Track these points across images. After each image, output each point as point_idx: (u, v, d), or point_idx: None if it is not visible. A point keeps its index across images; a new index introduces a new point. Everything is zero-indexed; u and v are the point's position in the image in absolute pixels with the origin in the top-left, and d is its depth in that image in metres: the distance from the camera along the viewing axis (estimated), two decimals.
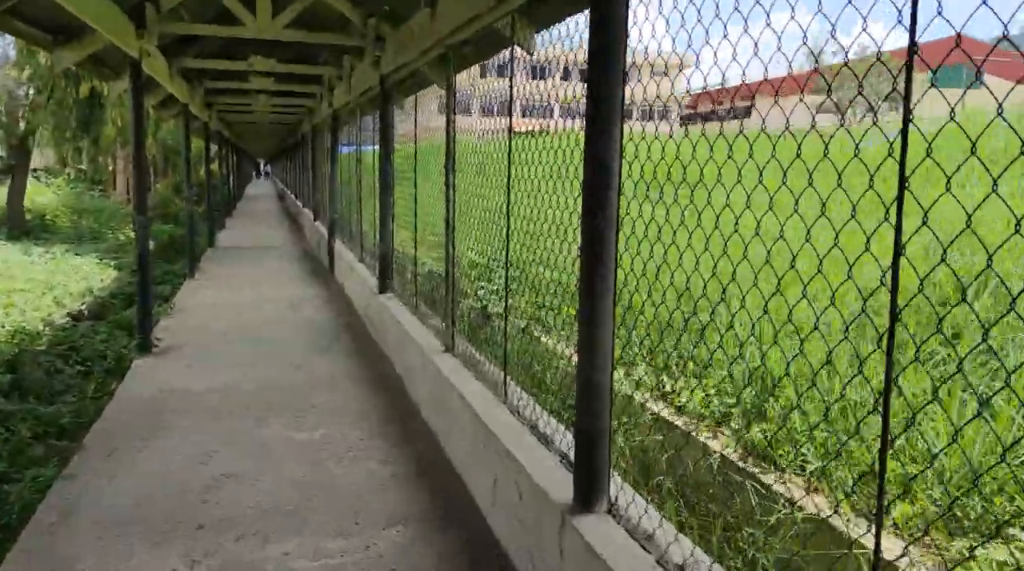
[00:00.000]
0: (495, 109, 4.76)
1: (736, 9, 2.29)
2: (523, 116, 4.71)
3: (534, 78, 4.84)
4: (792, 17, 2.10)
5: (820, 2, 2.09)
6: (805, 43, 2.15)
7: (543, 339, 6.10)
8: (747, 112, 2.86)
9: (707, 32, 2.40)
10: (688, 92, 2.69)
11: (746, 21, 2.26)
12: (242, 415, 5.67)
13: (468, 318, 7.79)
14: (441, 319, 6.47)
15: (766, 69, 2.10)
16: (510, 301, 7.88)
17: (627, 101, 2.83)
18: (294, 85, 12.94)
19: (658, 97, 2.86)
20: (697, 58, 2.50)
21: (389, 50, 7.41)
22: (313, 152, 17.93)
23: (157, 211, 19.51)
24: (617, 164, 2.82)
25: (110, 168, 24.74)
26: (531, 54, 4.59)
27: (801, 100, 2.17)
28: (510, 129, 4.20)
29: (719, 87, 2.53)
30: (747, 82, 2.26)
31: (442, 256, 9.15)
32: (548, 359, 6.29)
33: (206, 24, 7.76)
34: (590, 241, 2.88)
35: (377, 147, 9.38)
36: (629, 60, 2.82)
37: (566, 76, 5.26)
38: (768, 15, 2.19)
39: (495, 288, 8.26)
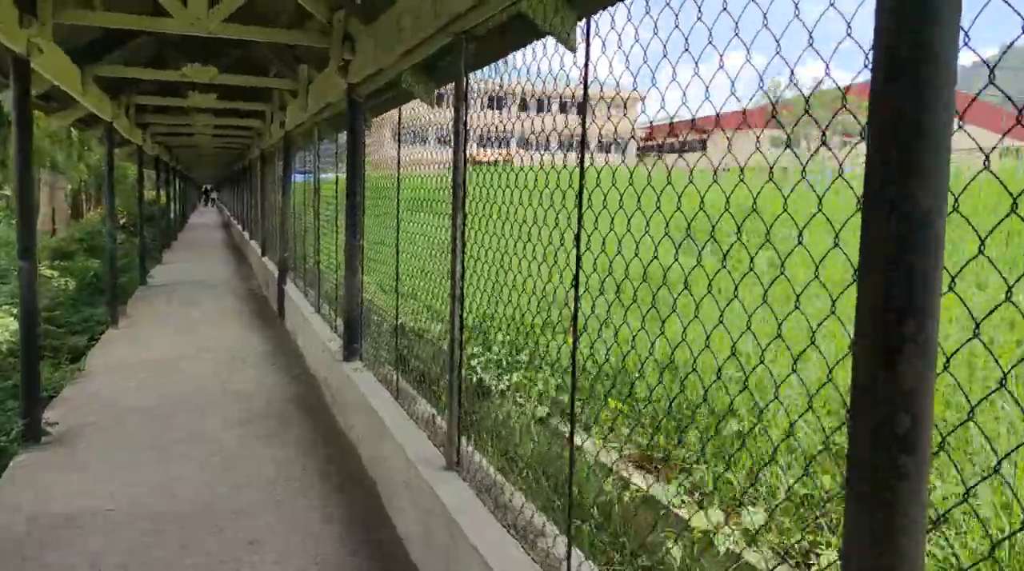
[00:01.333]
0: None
1: (686, 50, 2.17)
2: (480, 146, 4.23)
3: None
4: (748, 61, 1.96)
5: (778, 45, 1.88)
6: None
7: (587, 445, 4.44)
8: (703, 145, 2.76)
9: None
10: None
11: (696, 62, 2.15)
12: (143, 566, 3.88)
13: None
14: (433, 406, 4.80)
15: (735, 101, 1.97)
16: (514, 377, 6.26)
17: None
18: (239, 102, 11.20)
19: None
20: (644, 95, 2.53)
21: (362, 52, 5.78)
22: (262, 179, 16.12)
23: (84, 245, 17.35)
24: None
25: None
26: (573, 50, 3.06)
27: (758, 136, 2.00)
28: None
29: (676, 120, 2.35)
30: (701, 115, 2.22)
31: (416, 309, 7.49)
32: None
33: (121, 14, 6.01)
34: None
35: (339, 175, 7.73)
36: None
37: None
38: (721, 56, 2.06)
39: (497, 357, 6.56)
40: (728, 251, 2.48)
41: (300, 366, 8.22)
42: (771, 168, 1.94)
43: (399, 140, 5.41)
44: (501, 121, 3.78)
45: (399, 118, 5.47)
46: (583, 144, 2.70)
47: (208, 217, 50.65)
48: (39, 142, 15.00)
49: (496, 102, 4.41)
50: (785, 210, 1.84)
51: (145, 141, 14.95)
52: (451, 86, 4.21)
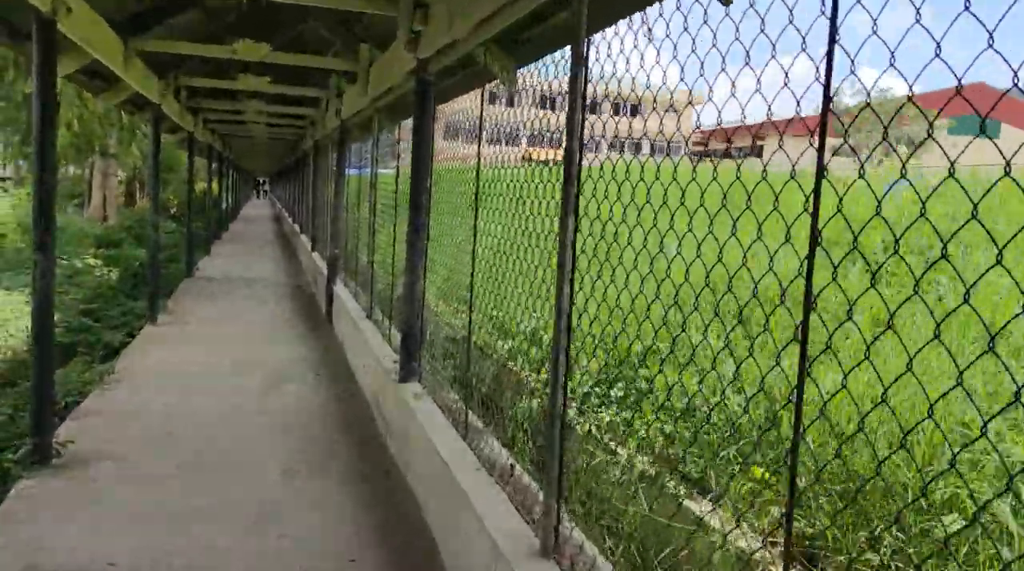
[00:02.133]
0: None
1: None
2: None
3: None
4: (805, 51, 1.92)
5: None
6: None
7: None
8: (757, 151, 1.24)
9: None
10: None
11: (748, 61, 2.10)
12: None
13: (527, 431, 5.16)
14: (506, 444, 3.88)
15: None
16: (604, 416, 5.31)
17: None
18: (294, 87, 10.43)
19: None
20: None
21: (435, 20, 4.87)
22: (314, 172, 15.42)
23: (132, 233, 16.86)
24: None
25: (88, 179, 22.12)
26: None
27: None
28: None
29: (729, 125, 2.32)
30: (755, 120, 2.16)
31: (477, 319, 6.56)
32: None
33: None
34: None
35: (388, 171, 6.87)
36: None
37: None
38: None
39: (583, 388, 5.57)
40: (879, 269, 1.62)
41: (349, 381, 7.36)
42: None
43: (480, 121, 4.48)
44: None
45: (483, 95, 4.52)
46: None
47: (260, 209, 50.69)
48: (89, 125, 14.51)
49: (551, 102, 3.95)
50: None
51: (197, 127, 14.34)
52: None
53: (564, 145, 2.85)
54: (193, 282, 13.87)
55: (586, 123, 2.87)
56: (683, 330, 3.58)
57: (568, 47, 3.55)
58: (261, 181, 76.10)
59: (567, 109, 2.85)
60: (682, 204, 2.61)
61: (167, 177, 29.70)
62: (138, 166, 24.46)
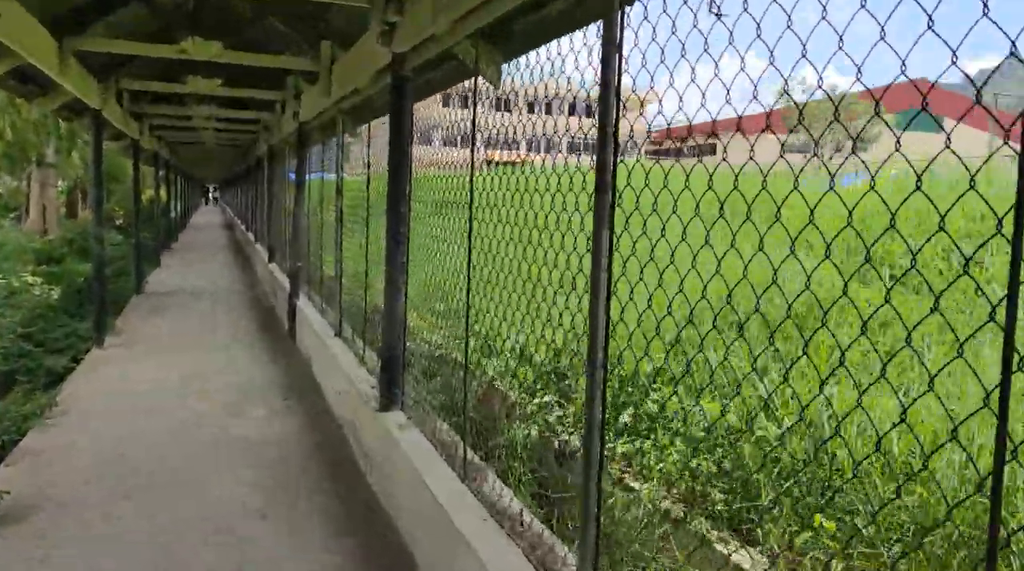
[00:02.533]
0: None
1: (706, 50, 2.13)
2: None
3: None
4: (742, 69, 2.03)
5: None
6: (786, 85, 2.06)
7: None
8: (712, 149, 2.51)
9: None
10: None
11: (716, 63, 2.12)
12: None
13: (521, 459, 4.70)
14: (506, 482, 3.43)
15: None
16: (617, 446, 4.88)
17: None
18: (248, 90, 9.81)
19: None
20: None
21: (412, 12, 4.38)
22: (270, 178, 14.73)
23: (74, 246, 15.92)
24: None
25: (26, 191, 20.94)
26: None
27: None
28: None
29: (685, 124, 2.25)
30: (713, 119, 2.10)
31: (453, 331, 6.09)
32: None
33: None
34: None
35: (368, 173, 6.37)
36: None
37: None
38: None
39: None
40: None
41: (319, 404, 6.80)
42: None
43: (474, 123, 4.00)
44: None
45: (474, 85, 4.03)
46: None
47: (211, 217, 49.30)
48: (23, 133, 13.61)
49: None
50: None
51: (142, 134, 13.56)
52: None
53: (596, 148, 2.40)
54: (143, 298, 13.10)
55: (621, 122, 2.42)
56: (700, 349, 3.19)
57: (563, 37, 3.13)
58: (211, 188, 74.54)
59: (599, 103, 2.40)
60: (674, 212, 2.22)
61: (112, 187, 28.51)
62: (79, 176, 23.32)
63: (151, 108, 11.96)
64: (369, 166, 6.15)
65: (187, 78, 9.09)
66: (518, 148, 3.83)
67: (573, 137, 3.00)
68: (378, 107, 6.80)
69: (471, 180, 3.71)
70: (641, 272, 2.53)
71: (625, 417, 4.62)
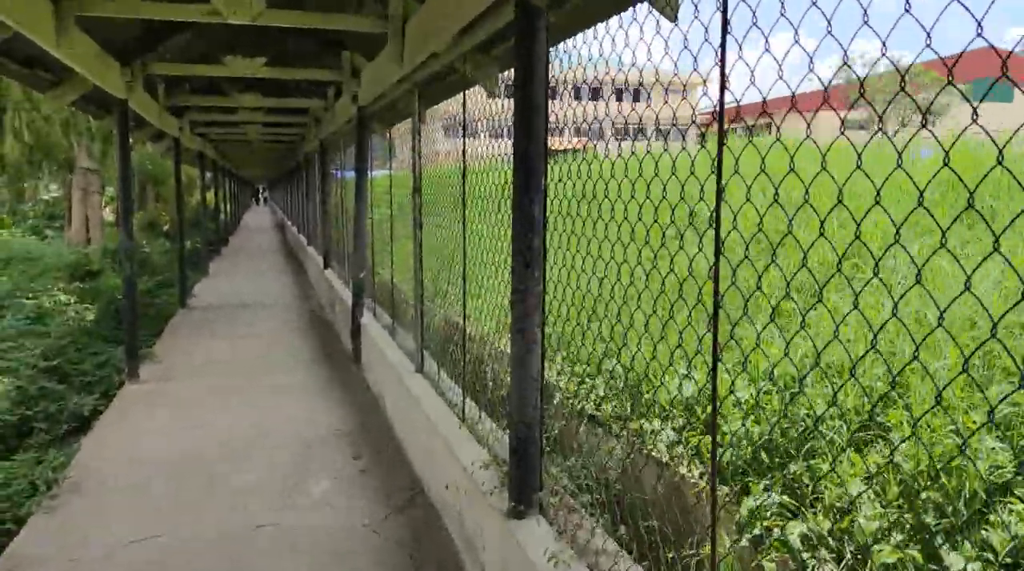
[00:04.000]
0: None
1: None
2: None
3: None
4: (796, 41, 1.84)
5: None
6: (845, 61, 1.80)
7: None
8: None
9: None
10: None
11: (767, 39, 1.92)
12: None
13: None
14: None
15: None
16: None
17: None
18: (298, 70, 8.32)
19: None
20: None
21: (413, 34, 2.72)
22: (322, 176, 13.28)
23: (117, 258, 14.72)
24: None
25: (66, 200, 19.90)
26: None
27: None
28: None
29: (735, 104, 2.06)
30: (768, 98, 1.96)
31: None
32: None
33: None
34: None
35: (464, 164, 4.80)
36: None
37: None
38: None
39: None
40: None
41: (400, 467, 5.22)
42: None
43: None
44: None
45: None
46: None
47: (261, 218, 48.56)
48: (44, 134, 12.33)
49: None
50: None
51: (182, 131, 12.23)
52: None
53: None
54: (188, 314, 11.76)
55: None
56: None
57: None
58: (260, 188, 74.35)
59: None
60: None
61: (160, 190, 27.57)
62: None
63: (189, 100, 10.59)
64: (465, 153, 4.51)
65: (226, 58, 7.65)
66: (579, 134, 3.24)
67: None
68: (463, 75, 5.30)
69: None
70: None
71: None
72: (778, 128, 1.89)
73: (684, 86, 2.45)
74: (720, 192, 1.95)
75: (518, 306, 3.11)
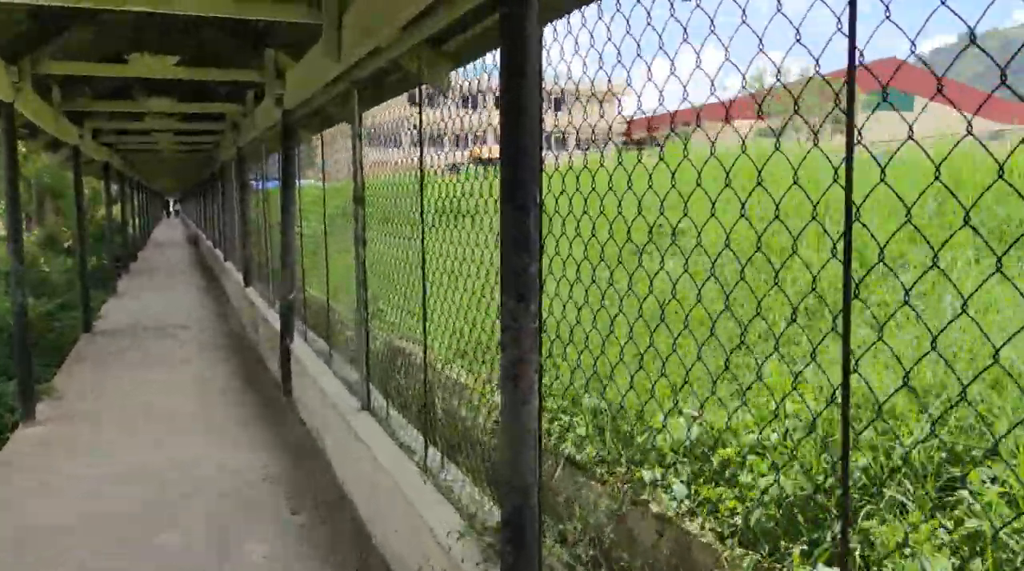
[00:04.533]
0: None
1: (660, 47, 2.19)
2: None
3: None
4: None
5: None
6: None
7: None
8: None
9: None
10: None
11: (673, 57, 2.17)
12: None
13: None
14: None
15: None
16: None
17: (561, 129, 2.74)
18: (214, 71, 7.52)
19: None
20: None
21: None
22: (240, 187, 12.33)
23: (5, 278, 13.35)
24: None
25: None
26: None
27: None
28: None
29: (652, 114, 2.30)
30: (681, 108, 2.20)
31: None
32: None
33: None
34: None
35: (422, 170, 4.22)
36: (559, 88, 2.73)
37: None
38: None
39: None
40: None
41: (354, 533, 4.52)
42: None
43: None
44: None
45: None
46: None
47: (172, 232, 46.31)
48: None
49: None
50: None
51: (82, 138, 11.16)
52: None
53: None
54: (92, 339, 10.68)
55: None
56: None
57: None
58: (171, 201, 71.35)
59: None
60: None
61: (60, 203, 25.71)
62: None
63: (92, 105, 9.56)
64: (423, 161, 3.90)
65: (132, 55, 6.81)
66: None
67: None
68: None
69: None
70: None
71: None
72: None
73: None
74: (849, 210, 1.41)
75: (510, 348, 2.51)
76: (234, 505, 4.79)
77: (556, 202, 2.84)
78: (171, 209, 75.49)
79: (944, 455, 2.99)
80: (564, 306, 3.05)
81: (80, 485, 5.18)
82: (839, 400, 1.69)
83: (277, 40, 6.80)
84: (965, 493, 2.77)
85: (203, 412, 7.01)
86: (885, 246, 1.65)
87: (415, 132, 4.14)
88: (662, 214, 2.36)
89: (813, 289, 3.30)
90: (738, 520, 2.94)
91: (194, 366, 9.00)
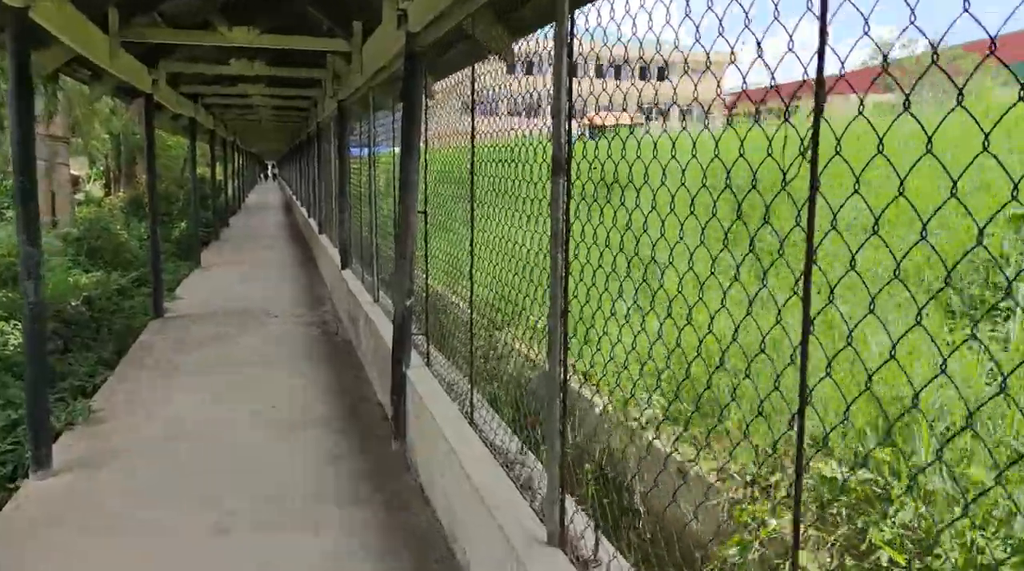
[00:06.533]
0: None
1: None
2: None
3: None
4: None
5: None
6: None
7: None
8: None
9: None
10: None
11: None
12: None
13: None
14: None
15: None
16: None
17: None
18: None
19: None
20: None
21: None
22: (339, 151, 10.31)
23: (81, 245, 11.67)
24: None
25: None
26: None
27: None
28: None
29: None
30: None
31: None
32: None
33: None
34: None
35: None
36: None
37: None
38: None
39: None
40: None
41: None
42: None
43: None
44: None
45: None
46: None
47: (268, 196, 45.58)
48: None
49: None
50: None
51: (197, 113, 9.49)
52: None
53: None
54: (161, 329, 8.90)
55: None
56: None
57: None
58: (270, 164, 71.57)
59: None
60: None
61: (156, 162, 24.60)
62: (105, 153, 19.20)
63: (205, 88, 8.06)
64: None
65: (231, 61, 5.35)
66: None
67: None
68: None
69: None
70: None
71: None
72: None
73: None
74: None
75: None
76: None
77: None
78: (269, 172, 75.87)
79: None
80: None
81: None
82: None
83: None
84: None
85: (279, 459, 4.99)
86: None
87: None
88: None
89: None
90: None
91: (279, 374, 7.04)
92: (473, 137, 4.09)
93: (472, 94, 4.13)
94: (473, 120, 4.10)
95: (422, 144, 5.23)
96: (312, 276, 13.40)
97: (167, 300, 10.11)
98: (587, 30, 2.58)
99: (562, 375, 2.70)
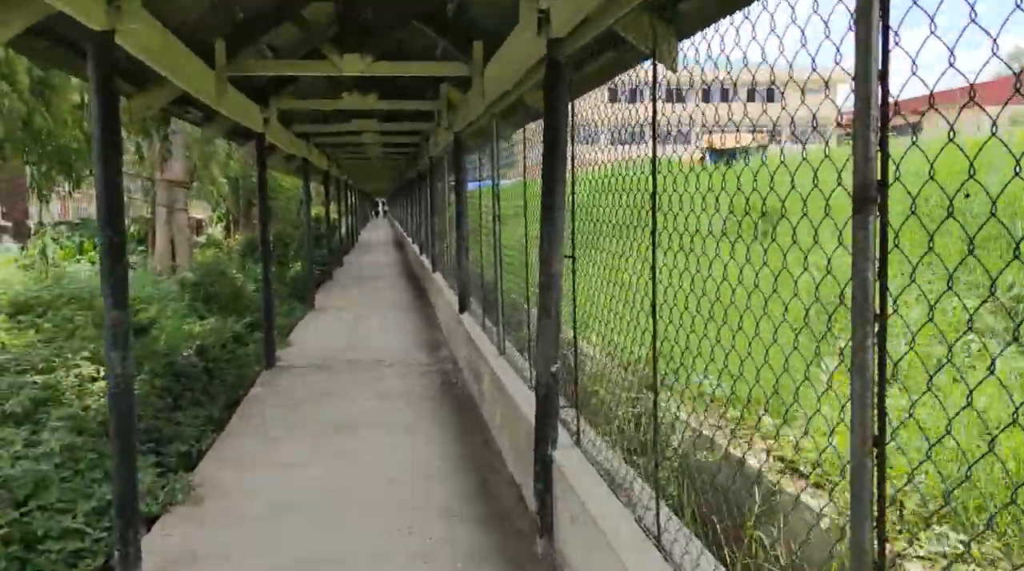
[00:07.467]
0: None
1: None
2: None
3: None
4: None
5: None
6: None
7: None
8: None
9: None
10: None
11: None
12: None
13: None
14: None
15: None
16: None
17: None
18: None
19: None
20: None
21: None
22: (457, 185, 9.56)
23: (197, 290, 11.38)
24: None
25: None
26: None
27: None
28: None
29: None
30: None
31: None
32: None
33: None
34: None
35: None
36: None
37: None
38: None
39: None
40: None
41: None
42: None
43: None
44: None
45: None
46: None
47: (379, 233, 46.16)
48: (35, 119, 8.91)
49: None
50: None
51: (310, 153, 8.98)
52: None
53: None
54: (272, 380, 8.30)
55: None
56: None
57: None
58: (380, 202, 73.21)
59: None
60: None
61: (271, 205, 24.95)
62: (221, 196, 19.36)
63: (315, 127, 7.56)
64: None
65: (343, 95, 5.14)
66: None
67: None
68: None
69: None
70: None
71: None
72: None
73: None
74: None
75: None
76: None
77: None
78: (379, 209, 77.68)
79: None
80: None
81: None
82: None
83: None
84: None
85: (402, 564, 4.07)
86: None
87: None
88: None
89: None
90: None
91: (398, 439, 6.20)
92: (655, 161, 3.08)
93: (653, 103, 3.11)
94: (654, 136, 3.09)
95: (568, 175, 4.29)
96: (427, 316, 12.69)
97: (279, 347, 9.58)
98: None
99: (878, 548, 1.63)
